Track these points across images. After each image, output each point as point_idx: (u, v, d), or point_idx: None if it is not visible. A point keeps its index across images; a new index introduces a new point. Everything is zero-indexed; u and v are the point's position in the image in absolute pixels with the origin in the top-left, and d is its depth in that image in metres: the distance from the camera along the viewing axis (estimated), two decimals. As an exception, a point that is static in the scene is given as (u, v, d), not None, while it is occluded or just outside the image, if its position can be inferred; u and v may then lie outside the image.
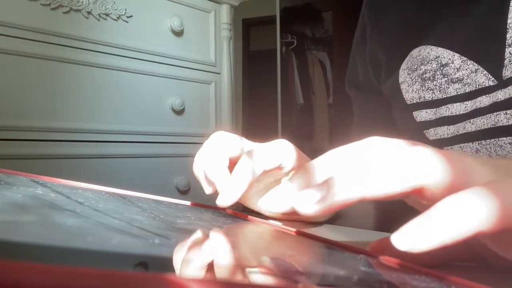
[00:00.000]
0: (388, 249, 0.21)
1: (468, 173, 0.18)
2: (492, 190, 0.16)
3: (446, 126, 0.41)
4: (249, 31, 3.01)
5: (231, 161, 0.33)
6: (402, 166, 0.18)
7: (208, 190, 0.33)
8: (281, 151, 0.32)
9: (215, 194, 0.31)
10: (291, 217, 0.40)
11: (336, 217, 0.41)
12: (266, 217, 0.36)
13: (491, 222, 0.15)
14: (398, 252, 0.21)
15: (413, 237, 0.16)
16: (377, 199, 0.18)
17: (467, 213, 0.15)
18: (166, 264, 0.14)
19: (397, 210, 0.42)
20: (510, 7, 0.36)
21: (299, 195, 0.19)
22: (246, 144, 0.35)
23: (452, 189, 0.18)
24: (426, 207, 0.21)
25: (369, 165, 0.18)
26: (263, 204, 0.22)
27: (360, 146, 0.21)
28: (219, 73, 1.35)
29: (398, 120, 0.48)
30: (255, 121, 2.96)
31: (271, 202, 0.21)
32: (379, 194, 0.18)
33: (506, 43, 0.36)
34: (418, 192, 0.18)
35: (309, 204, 0.18)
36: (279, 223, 0.32)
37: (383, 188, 0.18)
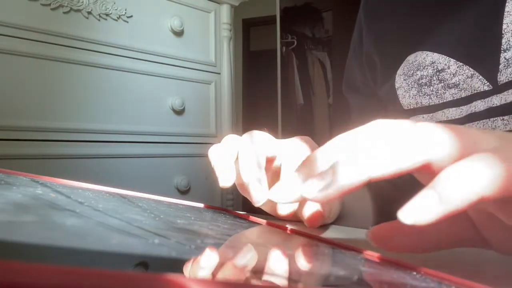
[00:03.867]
0: (389, 233, 0.21)
1: (475, 144, 0.18)
2: (495, 154, 0.16)
3: None
4: (249, 31, 3.01)
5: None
6: (408, 142, 0.18)
7: (226, 183, 0.30)
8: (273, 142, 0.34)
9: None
10: (297, 218, 0.40)
11: (337, 217, 0.41)
12: (267, 217, 0.36)
13: (495, 186, 0.15)
14: (398, 237, 0.21)
15: (418, 209, 0.15)
16: (385, 178, 0.17)
17: (470, 178, 0.15)
18: (166, 264, 0.14)
19: (398, 210, 0.42)
20: (505, 12, 0.36)
21: (305, 184, 0.19)
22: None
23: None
24: None
25: (373, 145, 0.18)
26: (272, 194, 0.21)
27: (365, 129, 0.20)
28: (219, 73, 1.35)
29: None
30: (255, 121, 2.96)
31: (279, 192, 0.21)
32: (385, 173, 0.17)
33: (501, 48, 0.36)
34: (426, 168, 0.18)
35: (315, 192, 0.18)
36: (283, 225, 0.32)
37: (389, 166, 0.17)
